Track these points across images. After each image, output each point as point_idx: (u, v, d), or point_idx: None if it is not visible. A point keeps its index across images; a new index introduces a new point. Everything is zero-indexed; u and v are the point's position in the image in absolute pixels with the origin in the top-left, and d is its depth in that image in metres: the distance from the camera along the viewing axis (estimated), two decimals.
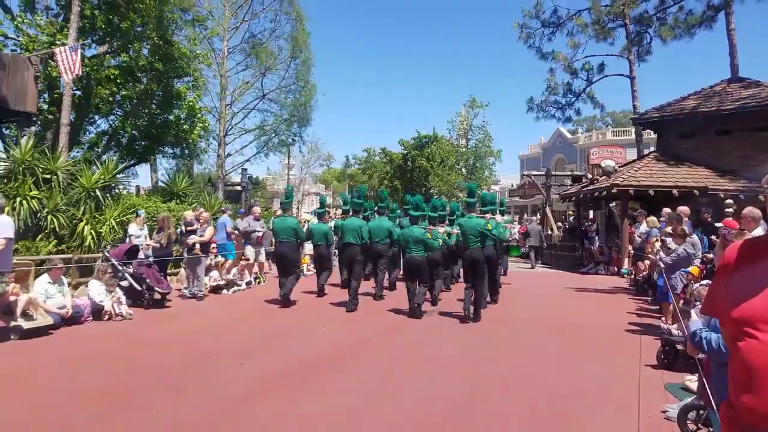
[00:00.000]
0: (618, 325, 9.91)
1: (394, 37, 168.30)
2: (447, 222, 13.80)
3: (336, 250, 15.80)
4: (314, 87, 35.85)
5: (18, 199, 12.58)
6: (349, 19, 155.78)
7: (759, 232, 7.83)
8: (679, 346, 6.83)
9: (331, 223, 14.52)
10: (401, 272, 13.48)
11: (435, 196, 52.91)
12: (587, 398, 5.90)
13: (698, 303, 6.79)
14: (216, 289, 13.19)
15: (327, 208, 14.85)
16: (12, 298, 8.25)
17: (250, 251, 15.28)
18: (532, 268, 21.80)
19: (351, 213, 12.97)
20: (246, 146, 37.06)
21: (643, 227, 14.30)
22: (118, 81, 19.60)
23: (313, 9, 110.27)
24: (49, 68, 16.58)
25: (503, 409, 5.52)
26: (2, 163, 14.23)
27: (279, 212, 15.31)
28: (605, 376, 6.72)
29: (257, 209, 16.59)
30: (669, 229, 10.15)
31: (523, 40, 28.86)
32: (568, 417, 5.38)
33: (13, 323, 8.20)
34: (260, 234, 15.14)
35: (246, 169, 32.72)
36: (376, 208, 14.51)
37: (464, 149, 52.37)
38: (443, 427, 5.10)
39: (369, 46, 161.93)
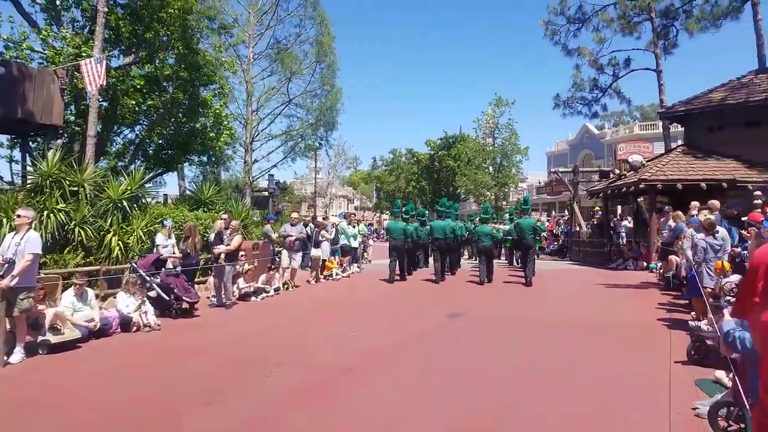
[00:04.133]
0: (648, 321, 9.92)
1: (418, 37, 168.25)
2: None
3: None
4: (340, 90, 36.03)
5: (45, 213, 12.66)
6: (372, 19, 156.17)
7: None
8: (710, 342, 6.77)
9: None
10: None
11: (463, 195, 53.08)
12: (617, 397, 5.91)
13: (729, 298, 6.78)
14: (245, 297, 13.23)
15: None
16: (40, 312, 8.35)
17: (284, 256, 15.48)
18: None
19: (436, 216, 19.13)
20: (272, 152, 37.11)
21: (672, 222, 14.12)
22: (144, 91, 19.76)
23: (335, 9, 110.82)
24: (76, 80, 16.74)
25: (540, 412, 5.51)
26: (30, 177, 14.40)
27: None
28: (636, 374, 6.72)
29: (295, 215, 17.09)
30: (701, 217, 10.07)
31: (549, 37, 28.89)
32: (600, 417, 5.39)
33: (41, 338, 8.26)
34: (293, 238, 15.19)
35: (273, 175, 32.83)
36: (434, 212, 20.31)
37: (491, 148, 52.10)
38: None
39: (394, 48, 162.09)
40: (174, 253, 12.26)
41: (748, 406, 3.36)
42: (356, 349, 8.36)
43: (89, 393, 6.41)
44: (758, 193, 12.03)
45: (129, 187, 14.83)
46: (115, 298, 10.30)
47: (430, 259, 19.09)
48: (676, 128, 28.85)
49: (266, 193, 32.11)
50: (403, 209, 18.43)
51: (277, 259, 16.07)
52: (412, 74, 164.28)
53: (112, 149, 22.24)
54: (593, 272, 18.85)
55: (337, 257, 18.47)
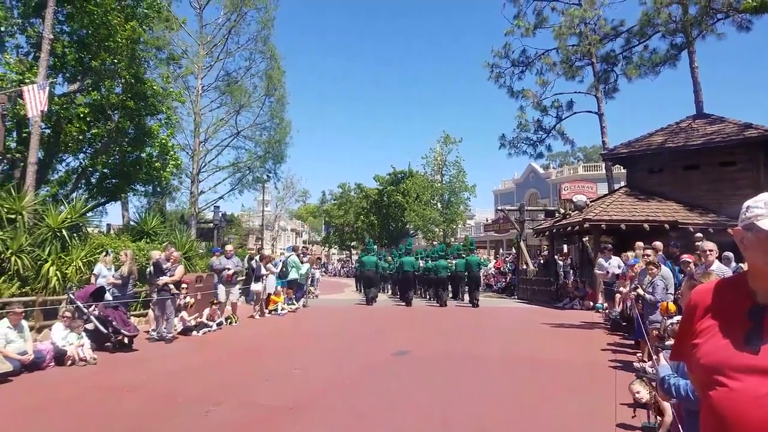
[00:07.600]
0: (594, 361, 9.89)
1: (370, 71, 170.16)
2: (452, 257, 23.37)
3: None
4: (289, 124, 35.82)
5: None
6: (323, 53, 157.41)
7: (720, 265, 7.88)
8: (654, 384, 6.67)
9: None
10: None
11: (411, 231, 53.37)
12: None
13: (672, 340, 6.77)
14: (186, 331, 12.91)
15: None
16: None
17: (221, 291, 14.98)
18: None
19: (404, 252, 23.79)
20: (219, 183, 36.54)
21: (615, 261, 14.35)
22: (89, 119, 19.37)
23: (287, 42, 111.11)
24: (18, 107, 16.33)
25: None
26: None
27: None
28: (581, 415, 6.66)
29: (230, 247, 16.55)
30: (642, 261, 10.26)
31: (494, 80, 29.47)
32: None
33: None
34: (230, 272, 14.86)
35: (218, 206, 32.42)
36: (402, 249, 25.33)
37: (439, 184, 52.66)
38: None
39: (345, 81, 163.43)
40: (109, 280, 11.91)
41: None
42: (298, 387, 8.18)
43: (16, 430, 6.11)
44: (699, 235, 12.39)
45: (69, 216, 14.42)
46: (50, 330, 9.93)
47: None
48: (619, 170, 29.68)
49: (212, 225, 31.67)
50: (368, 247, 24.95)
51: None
52: (362, 110, 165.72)
53: (54, 177, 21.67)
54: (540, 311, 18.97)
55: (282, 287, 18.20)
